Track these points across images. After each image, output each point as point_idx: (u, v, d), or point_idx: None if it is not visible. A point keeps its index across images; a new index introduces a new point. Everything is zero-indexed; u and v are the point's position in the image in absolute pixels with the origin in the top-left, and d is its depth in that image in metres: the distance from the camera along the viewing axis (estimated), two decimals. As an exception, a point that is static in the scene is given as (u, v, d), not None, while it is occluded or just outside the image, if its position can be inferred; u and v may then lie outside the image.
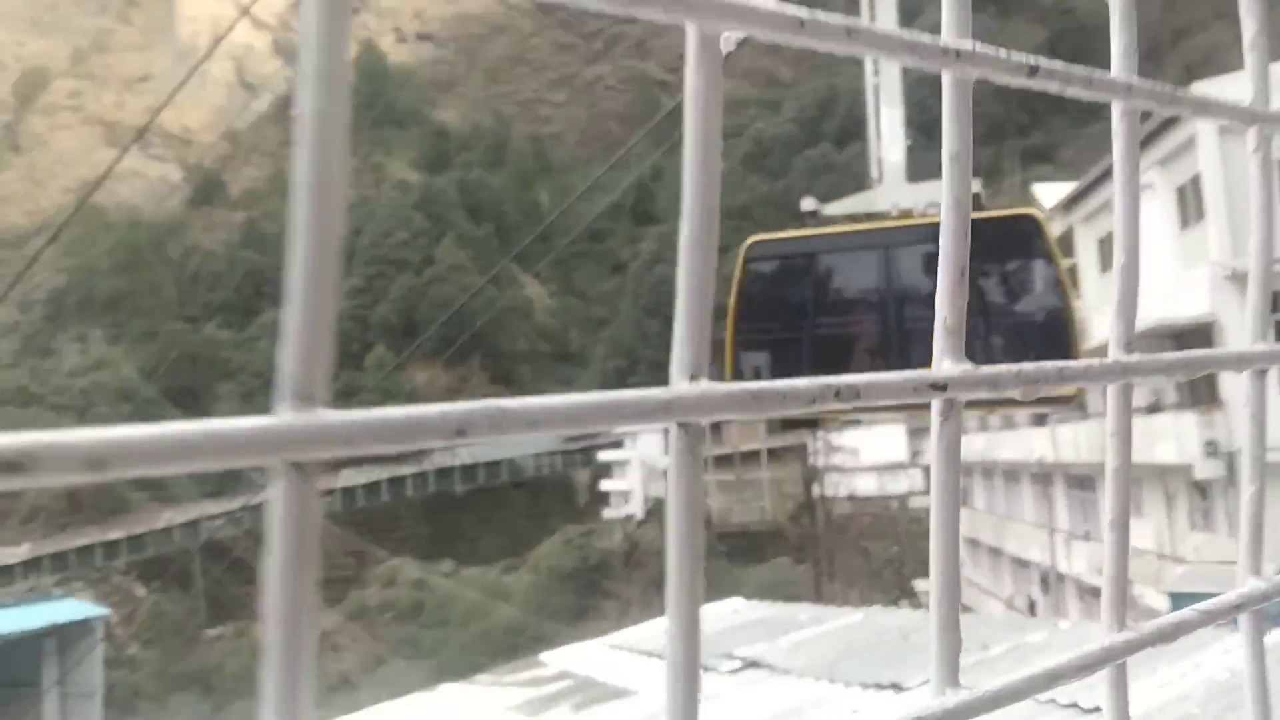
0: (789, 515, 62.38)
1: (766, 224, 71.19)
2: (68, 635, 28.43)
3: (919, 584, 46.89)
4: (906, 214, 11.82)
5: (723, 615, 7.97)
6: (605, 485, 66.90)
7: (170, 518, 69.13)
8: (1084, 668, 0.66)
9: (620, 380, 72.68)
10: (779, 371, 12.63)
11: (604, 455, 67.82)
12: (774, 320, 12.09)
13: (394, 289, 78.45)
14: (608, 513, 65.40)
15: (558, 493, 70.42)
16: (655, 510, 63.09)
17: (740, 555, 59.24)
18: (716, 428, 68.88)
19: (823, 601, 48.08)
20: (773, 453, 63.10)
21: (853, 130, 76.14)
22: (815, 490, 56.16)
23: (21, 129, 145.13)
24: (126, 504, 71.34)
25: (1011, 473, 39.03)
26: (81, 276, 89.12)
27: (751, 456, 64.34)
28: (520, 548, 63.19)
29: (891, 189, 11.95)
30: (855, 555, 55.09)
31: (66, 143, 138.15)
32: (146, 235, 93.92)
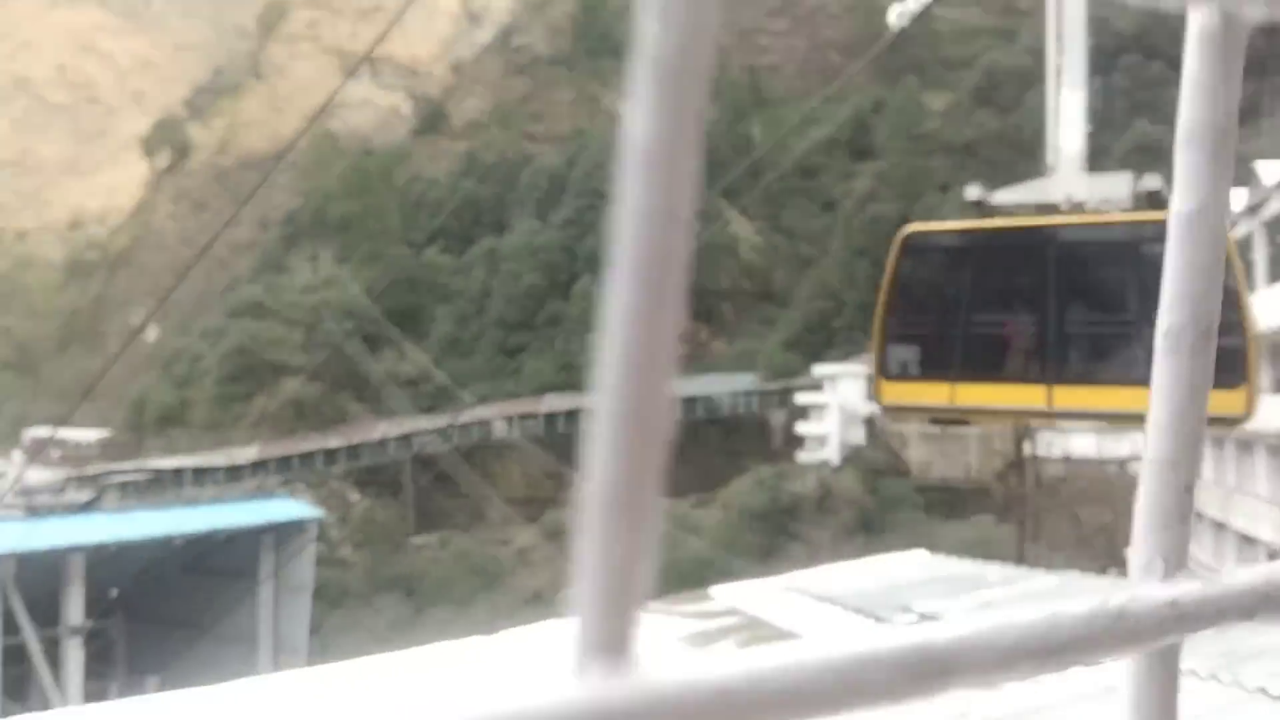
0: (996, 473, 59.52)
1: (994, 163, 67.21)
2: (285, 532, 30.44)
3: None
4: (1079, 208, 10.32)
5: (905, 567, 7.59)
6: (801, 429, 65.89)
7: (385, 430, 73.20)
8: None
9: (823, 322, 71.04)
10: (928, 369, 11.15)
11: (802, 398, 66.72)
12: (926, 314, 10.79)
13: (602, 221, 78.98)
14: (802, 456, 64.47)
15: (752, 432, 69.95)
16: (851, 457, 61.67)
17: (939, 510, 57.22)
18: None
19: (1025, 565, 45.84)
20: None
21: (1099, 63, 70.48)
22: (1026, 449, 53.22)
23: (263, 57, 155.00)
24: (345, 415, 75.98)
25: (1245, 443, 35.51)
26: (314, 199, 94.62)
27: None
28: (711, 484, 63.27)
29: (1066, 179, 10.44)
30: (1065, 519, 52.12)
31: (304, 71, 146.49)
32: (375, 162, 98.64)
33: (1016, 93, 71.36)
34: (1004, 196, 10.23)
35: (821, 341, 70.40)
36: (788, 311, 76.81)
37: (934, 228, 10.86)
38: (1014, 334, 9.73)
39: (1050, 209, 9.65)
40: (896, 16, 12.18)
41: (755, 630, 6.00)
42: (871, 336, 10.44)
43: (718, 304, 78.26)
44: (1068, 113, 10.36)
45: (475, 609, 54.35)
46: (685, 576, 51.97)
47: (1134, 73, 68.36)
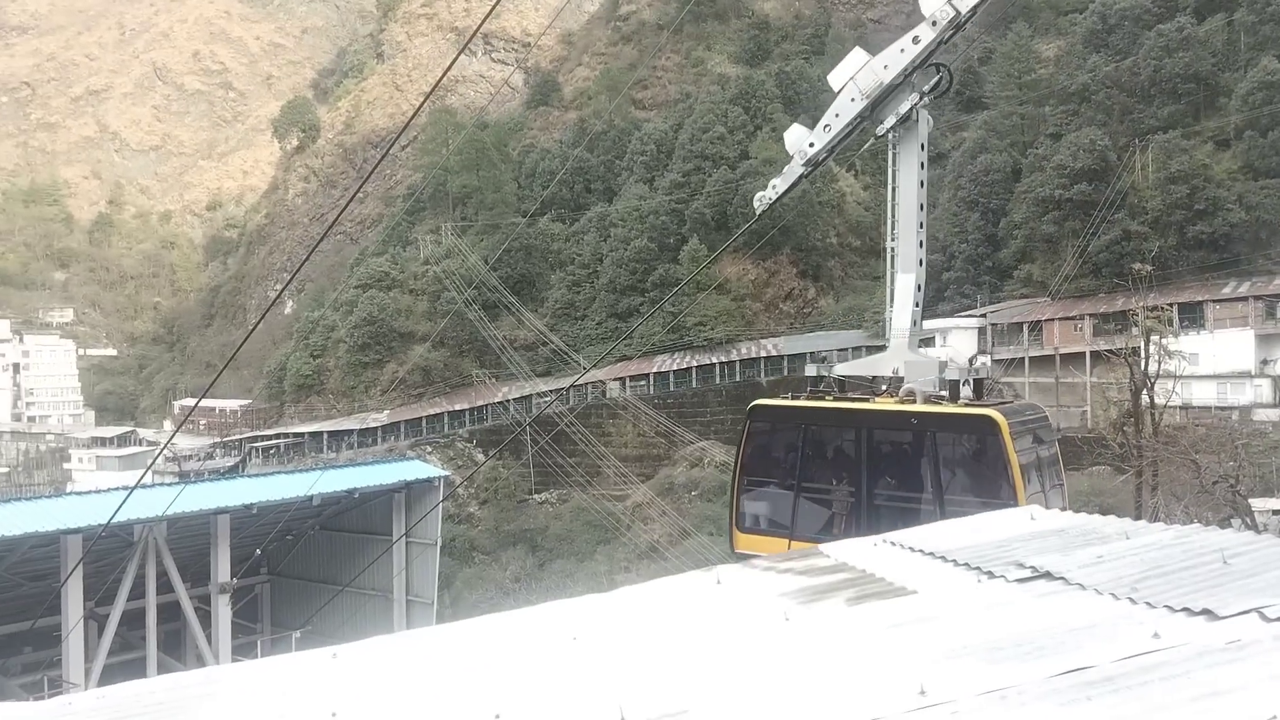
0: (1112, 423, 58.49)
1: (1108, 109, 65.27)
2: (415, 491, 32.45)
3: (1257, 503, 43.00)
4: (898, 384, 11.52)
5: (1016, 522, 7.15)
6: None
7: (506, 393, 76.02)
8: None
9: (932, 276, 70.42)
10: (770, 525, 13.12)
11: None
12: (770, 477, 12.70)
13: (709, 184, 79.80)
14: (914, 410, 64.47)
15: (860, 388, 70.05)
16: (963, 410, 61.38)
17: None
18: (1036, 325, 64.91)
19: (1143, 516, 45.15)
20: (1097, 355, 59.12)
21: (1217, 1, 67.50)
22: (1144, 398, 52.23)
23: (383, 37, 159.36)
24: (468, 379, 79.08)
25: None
26: (434, 174, 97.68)
27: (1073, 358, 60.68)
28: (821, 439, 63.82)
29: (896, 355, 11.65)
30: (1184, 469, 51.07)
31: (422, 49, 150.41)
32: (490, 135, 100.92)
33: (1132, 34, 68.91)
34: (842, 369, 11.80)
35: (930, 295, 69.69)
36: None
37: (775, 404, 12.17)
38: (836, 500, 11.03)
39: (880, 381, 11.21)
40: (758, 201, 13.16)
41: (865, 586, 5.85)
42: (730, 491, 12.27)
43: (824, 261, 78.23)
44: (900, 295, 11.26)
45: (594, 562, 56.50)
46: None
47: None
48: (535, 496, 68.99)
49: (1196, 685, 3.86)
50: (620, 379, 73.87)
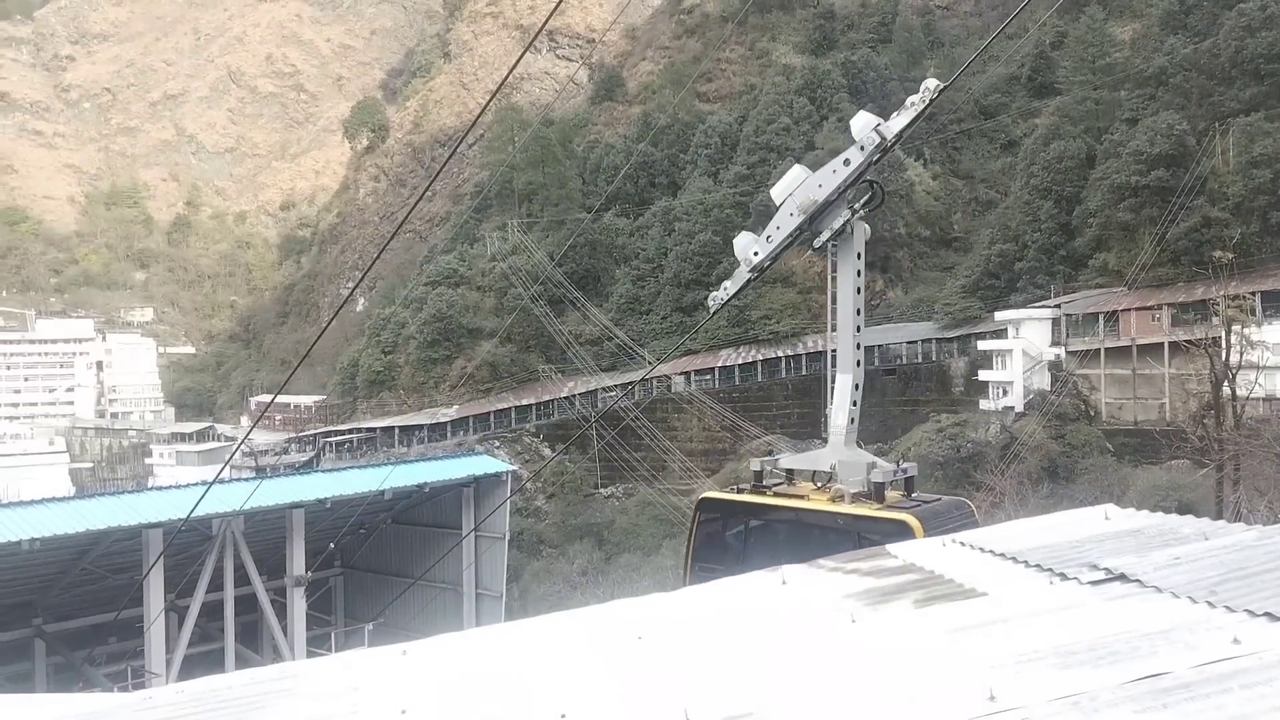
0: (1191, 415, 57.10)
1: (1186, 93, 63.41)
2: (484, 486, 32.83)
3: (1345, 498, 41.58)
4: (833, 479, 11.69)
5: (1090, 522, 6.99)
6: (984, 375, 64.71)
7: (573, 388, 76.45)
8: None
9: (1004, 266, 69.16)
10: None
11: (984, 344, 65.43)
12: (717, 561, 13.25)
13: (774, 176, 79.29)
14: (984, 403, 63.39)
15: (931, 380, 69.04)
16: (1036, 403, 60.29)
17: (1131, 454, 55.28)
18: (1112, 316, 63.31)
19: (1225, 511, 43.77)
20: (1176, 346, 57.61)
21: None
22: (1225, 389, 50.85)
23: (450, 37, 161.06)
24: (536, 375, 79.65)
25: None
26: (501, 171, 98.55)
27: (1151, 349, 59.19)
28: (889, 434, 63.09)
29: (834, 451, 12.15)
30: (1268, 462, 49.60)
31: (488, 47, 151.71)
32: (555, 131, 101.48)
33: (1211, 14, 66.86)
34: (786, 462, 12.49)
35: (1003, 286, 68.51)
36: (966, 256, 75.00)
37: (721, 496, 13.09)
38: None
39: (820, 476, 11.86)
40: (712, 301, 13.97)
41: (933, 588, 5.75)
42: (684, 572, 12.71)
43: (892, 252, 77.28)
44: (839, 394, 11.94)
45: (660, 556, 56.56)
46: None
47: None
48: (601, 490, 69.32)
49: (1278, 694, 3.75)
50: (685, 373, 73.84)
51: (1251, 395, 49.50)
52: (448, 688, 5.09)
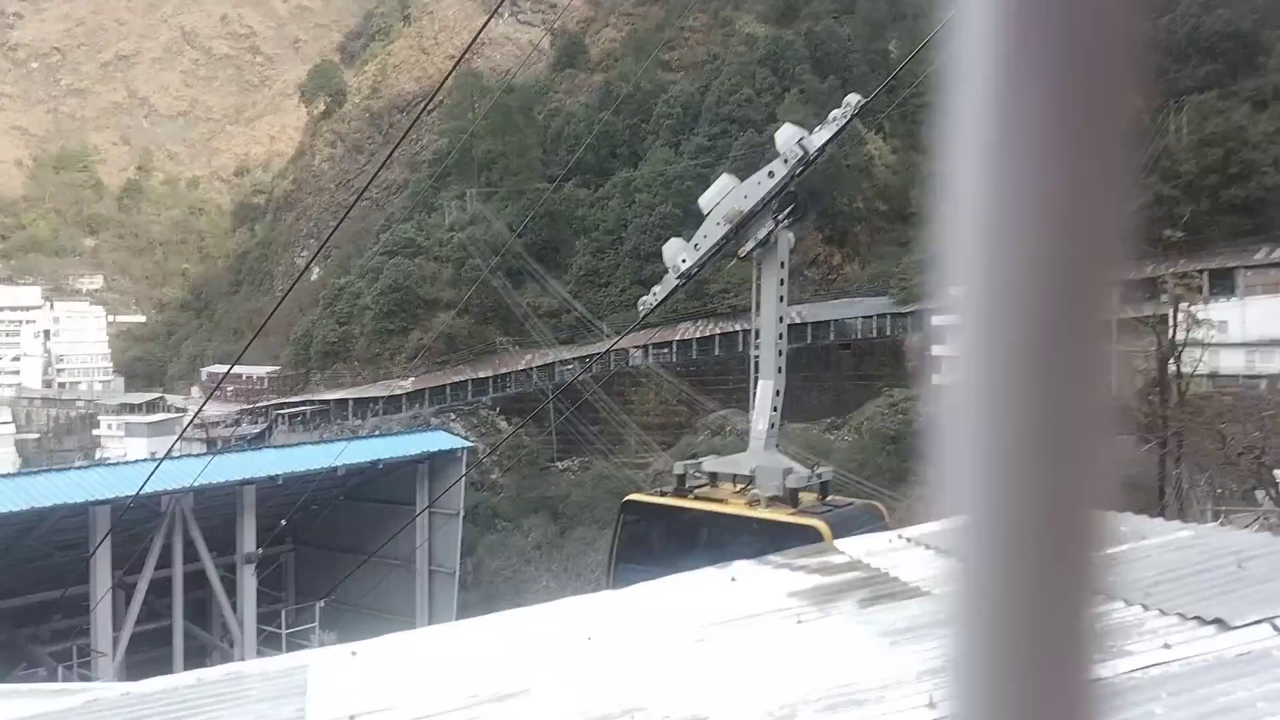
0: (1136, 392, 58.08)
1: (1142, 70, 63.87)
2: (438, 462, 32.75)
3: (1282, 474, 42.72)
4: (750, 484, 12.00)
5: None
6: (937, 350, 65.38)
7: (530, 360, 76.24)
8: None
9: (960, 242, 69.81)
10: None
11: (938, 319, 66.09)
12: (640, 562, 13.68)
13: (736, 148, 79.19)
14: (938, 379, 64.11)
15: (886, 355, 69.72)
16: (989, 378, 61.09)
17: (1080, 430, 56.30)
18: (1063, 295, 65.20)
19: (1166, 487, 44.79)
20: (1124, 323, 58.56)
21: None
22: (1171, 366, 51.72)
23: (410, 1, 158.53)
24: (493, 347, 79.29)
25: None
26: (460, 139, 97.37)
27: (1101, 327, 60.22)
28: (843, 408, 63.69)
29: (754, 456, 12.58)
30: (1209, 439, 50.60)
31: (449, 12, 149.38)
32: (516, 99, 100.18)
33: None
34: (710, 465, 12.87)
35: (959, 262, 69.16)
36: (924, 231, 75.53)
37: (643, 499, 13.67)
38: None
39: (741, 479, 12.22)
40: (642, 305, 14.37)
41: (877, 586, 5.83)
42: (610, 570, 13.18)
43: (851, 226, 77.69)
44: (761, 400, 12.31)
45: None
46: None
47: None
48: (557, 464, 69.33)
49: (1202, 701, 3.86)
50: (643, 346, 73.88)
51: (1196, 373, 50.60)
52: (397, 690, 5.10)
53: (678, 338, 73.75)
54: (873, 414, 58.86)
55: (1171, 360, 50.81)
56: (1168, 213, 58.04)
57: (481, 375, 76.61)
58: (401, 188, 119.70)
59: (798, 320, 72.94)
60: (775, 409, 12.31)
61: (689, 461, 13.60)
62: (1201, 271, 55.38)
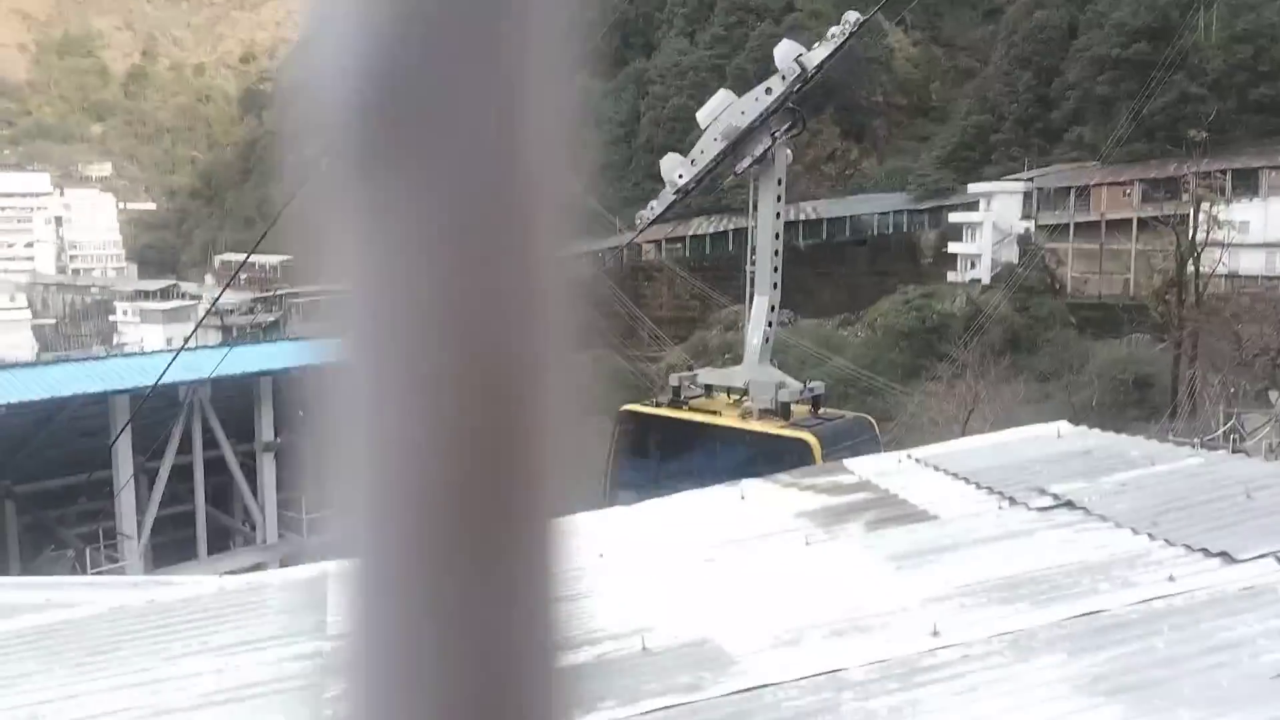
0: (1155, 291, 57.81)
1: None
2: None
3: (1296, 376, 42.70)
4: (744, 396, 12.04)
5: (1043, 440, 7.01)
6: (953, 247, 64.89)
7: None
8: None
9: (980, 137, 68.55)
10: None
11: (955, 217, 65.39)
12: (635, 469, 13.53)
13: (752, 38, 77.19)
14: (952, 276, 63.78)
15: (900, 252, 69.15)
16: (1003, 276, 60.74)
17: (1093, 328, 56.10)
18: (1083, 191, 63.11)
19: (1179, 386, 44.76)
20: (1144, 222, 57.88)
21: None
22: (1189, 267, 51.36)
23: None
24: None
25: None
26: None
27: (1120, 225, 59.45)
28: (857, 304, 63.49)
29: (749, 369, 12.30)
30: (1225, 339, 50.48)
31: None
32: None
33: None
34: (705, 377, 13.19)
35: (978, 158, 68.01)
36: (944, 127, 74.14)
37: (639, 409, 13.66)
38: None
39: (736, 391, 12.28)
40: (639, 219, 14.20)
41: (885, 509, 5.81)
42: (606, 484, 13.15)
43: (869, 121, 76.22)
44: (756, 315, 12.35)
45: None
46: (828, 393, 53.28)
47: None
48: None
49: (1205, 636, 3.92)
50: (656, 241, 73.37)
51: (1215, 273, 50.16)
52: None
53: (691, 233, 73.17)
54: (886, 310, 58.67)
55: (1190, 261, 50.13)
56: (1194, 111, 56.78)
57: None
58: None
59: (814, 216, 72.23)
60: (770, 324, 12.51)
61: (684, 374, 13.87)
62: (1224, 172, 54.43)
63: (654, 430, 12.93)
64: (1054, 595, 4.41)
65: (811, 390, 12.41)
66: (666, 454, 12.54)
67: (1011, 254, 62.25)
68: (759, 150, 12.25)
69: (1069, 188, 61.55)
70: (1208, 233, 48.90)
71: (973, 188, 64.81)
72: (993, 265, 62.18)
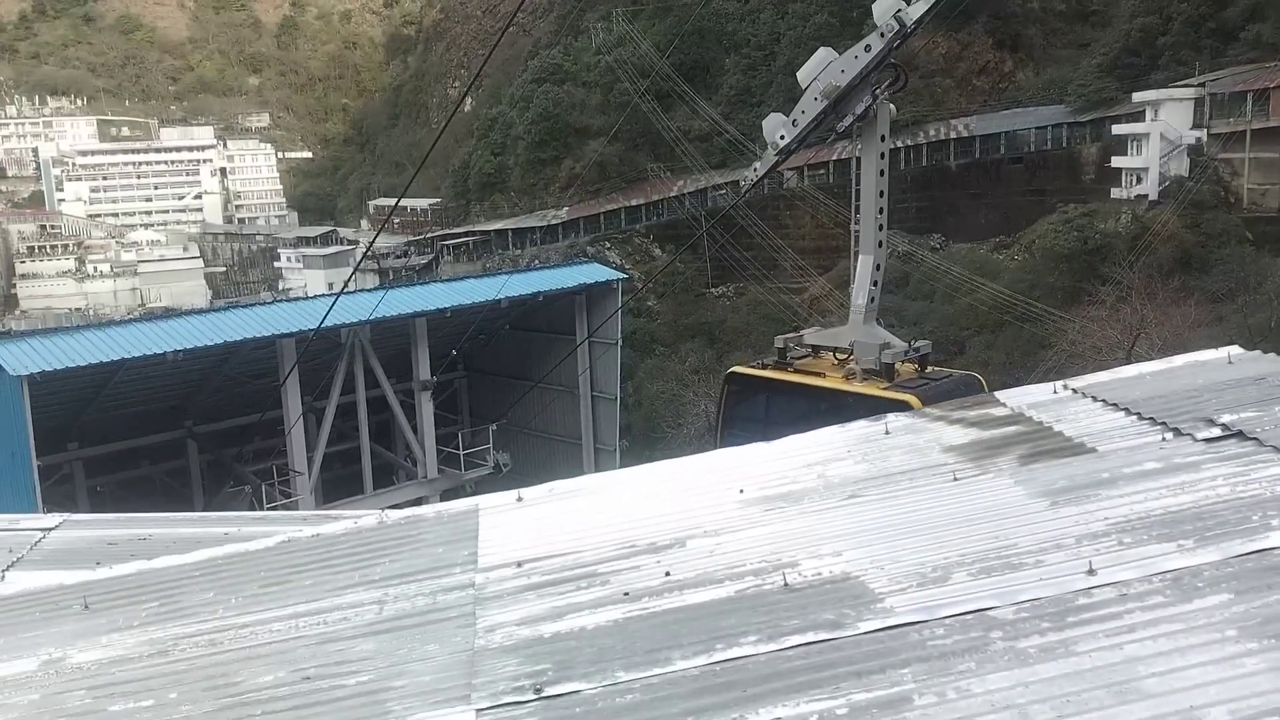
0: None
1: None
2: (595, 293, 33.74)
3: None
4: (850, 355, 11.99)
5: (1213, 367, 6.47)
6: (1117, 162, 61.32)
7: (682, 187, 75.51)
8: None
9: (1146, 42, 64.16)
10: None
11: (1119, 129, 61.68)
12: (744, 430, 12.67)
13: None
14: (1116, 192, 60.37)
15: (1060, 169, 65.69)
16: (1172, 191, 57.18)
17: (1272, 244, 52.34)
18: (1261, 94, 58.79)
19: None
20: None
21: None
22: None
23: None
24: (645, 174, 78.75)
25: None
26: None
27: (1304, 130, 54.92)
28: (1013, 226, 60.92)
29: (854, 329, 12.19)
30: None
31: None
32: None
33: None
34: (810, 338, 13.16)
35: (1144, 64, 63.69)
36: (1105, 32, 69.64)
37: (745, 370, 13.83)
38: None
39: (841, 351, 12.31)
40: (743, 181, 13.67)
41: (1039, 442, 5.61)
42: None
43: (1024, 29, 72.25)
44: (860, 274, 12.27)
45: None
46: (982, 320, 51.23)
47: None
48: (712, 290, 69.33)
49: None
50: (797, 168, 71.84)
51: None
52: (559, 537, 5.35)
53: (834, 158, 71.38)
54: (1045, 231, 56.04)
55: None
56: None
57: (634, 203, 76.50)
58: (547, 10, 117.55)
59: (966, 134, 69.38)
60: (875, 283, 12.31)
61: (790, 335, 13.91)
62: None
63: (759, 392, 13.06)
64: (1220, 532, 4.18)
65: (918, 350, 12.30)
66: (772, 417, 12.66)
67: (1181, 166, 58.43)
68: (860, 108, 12.13)
69: (1245, 91, 57.04)
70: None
71: (1138, 96, 60.84)
72: (1160, 179, 58.54)
